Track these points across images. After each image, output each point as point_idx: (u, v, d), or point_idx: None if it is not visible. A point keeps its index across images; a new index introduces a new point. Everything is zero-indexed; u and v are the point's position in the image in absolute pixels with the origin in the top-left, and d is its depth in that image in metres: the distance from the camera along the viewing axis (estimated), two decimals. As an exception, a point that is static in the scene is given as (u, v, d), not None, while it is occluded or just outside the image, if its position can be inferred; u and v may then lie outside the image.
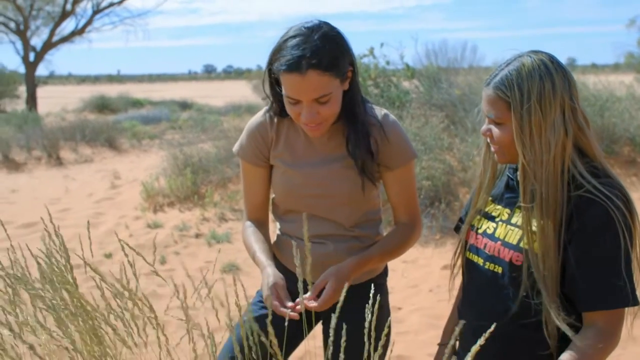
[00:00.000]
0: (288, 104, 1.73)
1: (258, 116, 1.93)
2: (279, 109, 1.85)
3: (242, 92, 25.56)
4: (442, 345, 1.80)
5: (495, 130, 1.51)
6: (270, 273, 1.71)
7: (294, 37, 1.68)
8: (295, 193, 1.87)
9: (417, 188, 1.91)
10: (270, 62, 1.74)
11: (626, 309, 1.45)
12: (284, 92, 1.70)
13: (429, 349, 3.75)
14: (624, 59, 16.17)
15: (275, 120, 1.89)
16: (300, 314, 1.58)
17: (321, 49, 1.65)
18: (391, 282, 4.89)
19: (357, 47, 9.91)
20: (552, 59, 1.48)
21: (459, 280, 1.74)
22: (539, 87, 1.43)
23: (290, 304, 1.62)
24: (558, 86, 1.44)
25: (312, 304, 1.63)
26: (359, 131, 1.79)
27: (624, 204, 1.43)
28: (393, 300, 4.60)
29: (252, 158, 1.91)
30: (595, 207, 1.42)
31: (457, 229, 1.79)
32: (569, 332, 1.43)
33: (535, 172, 1.45)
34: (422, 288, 4.74)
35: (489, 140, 1.56)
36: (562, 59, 1.50)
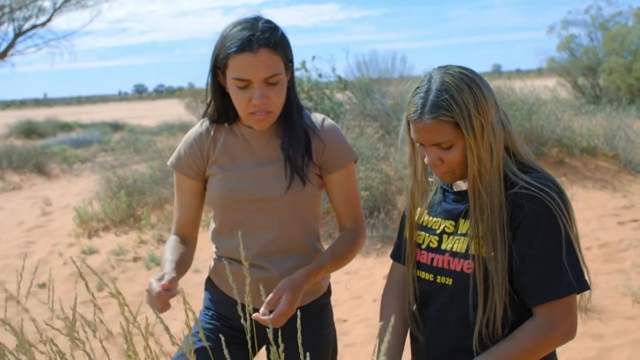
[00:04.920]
0: (237, 91, 1.70)
1: (195, 128, 1.91)
2: (217, 112, 1.84)
3: (175, 111, 25.19)
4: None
5: (446, 155, 1.49)
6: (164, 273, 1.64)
7: (238, 24, 1.70)
8: (234, 198, 1.81)
9: None
10: (216, 55, 1.73)
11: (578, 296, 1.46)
12: (232, 76, 1.68)
13: None
14: (546, 63, 16.82)
15: (213, 129, 1.87)
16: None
17: (268, 30, 1.68)
18: (335, 294, 4.91)
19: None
20: (465, 68, 1.50)
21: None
22: (473, 96, 1.44)
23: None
24: (484, 89, 1.47)
25: (266, 318, 1.56)
26: (294, 130, 1.79)
27: (557, 194, 1.46)
28: (338, 312, 4.60)
29: (187, 170, 1.87)
30: (532, 201, 1.44)
31: (396, 256, 1.76)
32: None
33: (485, 179, 1.47)
34: (366, 299, 4.75)
35: (434, 168, 1.54)
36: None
